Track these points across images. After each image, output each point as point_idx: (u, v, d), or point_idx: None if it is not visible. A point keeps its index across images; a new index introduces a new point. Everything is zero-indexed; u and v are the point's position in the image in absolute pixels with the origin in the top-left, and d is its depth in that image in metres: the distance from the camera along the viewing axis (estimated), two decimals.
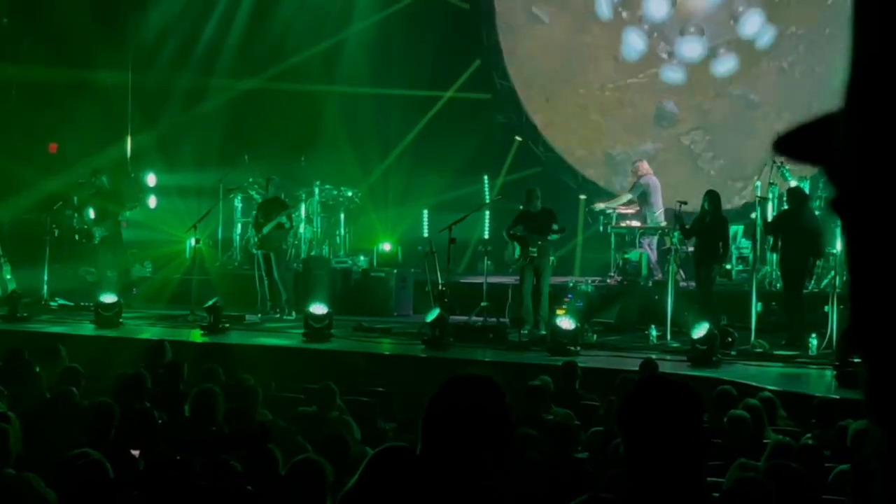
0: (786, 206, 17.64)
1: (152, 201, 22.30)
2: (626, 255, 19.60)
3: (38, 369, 11.94)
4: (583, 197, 23.07)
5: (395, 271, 20.79)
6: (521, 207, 18.26)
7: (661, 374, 3.39)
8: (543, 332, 16.54)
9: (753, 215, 18.23)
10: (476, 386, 3.31)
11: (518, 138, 24.07)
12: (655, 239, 19.81)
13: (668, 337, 16.58)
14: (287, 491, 6.23)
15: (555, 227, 17.64)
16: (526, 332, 17.11)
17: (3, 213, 22.56)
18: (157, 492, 6.20)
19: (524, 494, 6.23)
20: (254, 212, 21.90)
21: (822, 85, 20.65)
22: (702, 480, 3.47)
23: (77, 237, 22.90)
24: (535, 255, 17.56)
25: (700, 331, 14.78)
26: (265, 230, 19.53)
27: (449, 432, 3.23)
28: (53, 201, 22.06)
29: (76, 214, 22.92)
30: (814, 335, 15.55)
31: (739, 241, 19.39)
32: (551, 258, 17.92)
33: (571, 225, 20.44)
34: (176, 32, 24.54)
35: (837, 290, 16.08)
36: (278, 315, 19.30)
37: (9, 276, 21.06)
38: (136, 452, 7.96)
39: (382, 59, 24.37)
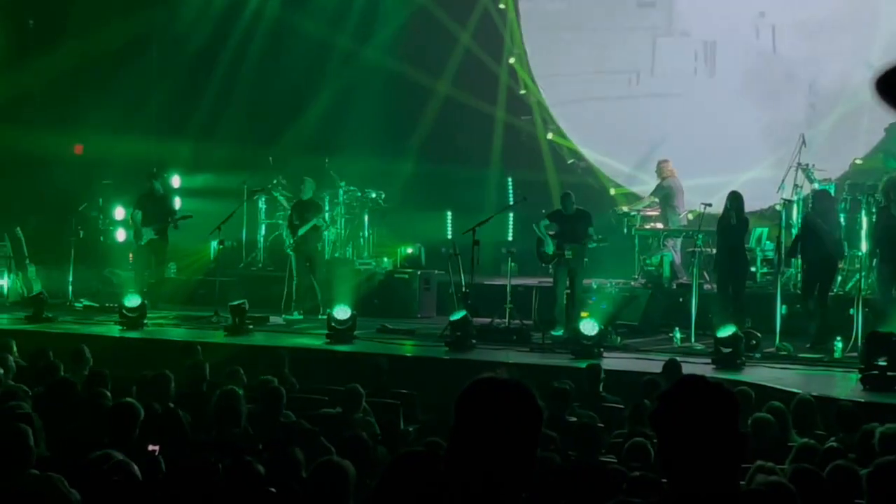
0: (811, 209, 17.57)
1: (177, 202, 22.33)
2: (648, 261, 19.57)
3: (62, 370, 11.99)
4: (613, 192, 23.08)
5: (419, 273, 20.76)
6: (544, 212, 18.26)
7: (696, 374, 3.31)
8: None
9: (779, 205, 18.15)
10: (507, 389, 3.29)
11: (549, 136, 24.02)
12: (679, 241, 19.75)
13: (693, 339, 16.52)
14: (310, 493, 6.23)
15: (591, 231, 17.59)
16: (560, 333, 17.09)
17: (29, 214, 22.64)
18: (181, 493, 6.21)
19: (549, 498, 6.21)
20: (280, 211, 21.93)
21: None
22: (737, 483, 3.43)
23: (102, 238, 22.99)
24: (570, 256, 17.54)
25: (724, 333, 14.73)
26: (301, 232, 19.58)
27: (479, 435, 3.21)
28: (78, 203, 22.12)
29: (101, 216, 23.00)
30: (839, 338, 15.48)
31: (764, 243, 19.31)
32: (585, 260, 17.90)
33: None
34: (202, 32, 24.57)
35: (862, 293, 16.01)
36: (302, 316, 19.31)
37: (34, 277, 21.14)
38: (154, 448, 7.97)
39: (409, 57, 24.35)
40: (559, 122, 24.19)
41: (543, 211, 20.28)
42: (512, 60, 24.47)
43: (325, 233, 21.29)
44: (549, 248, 17.68)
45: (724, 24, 22.70)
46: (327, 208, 21.57)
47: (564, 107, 24.24)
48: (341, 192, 21.79)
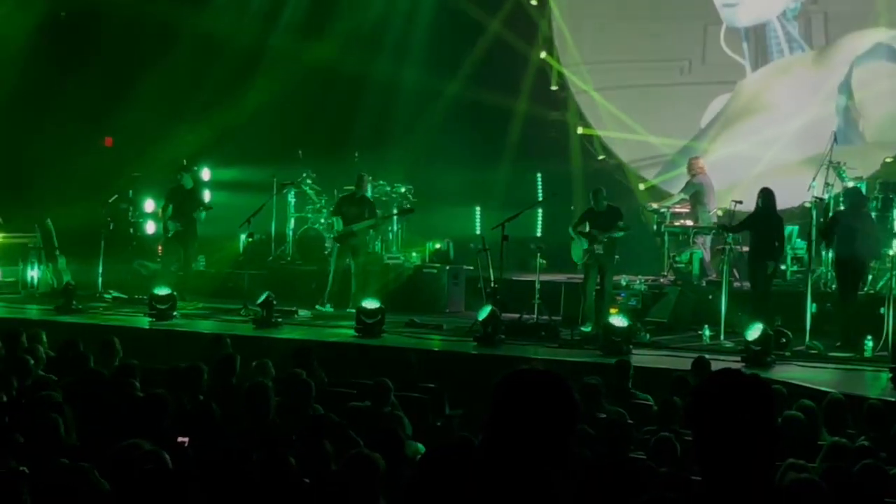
0: (842, 207, 17.50)
1: (206, 196, 22.37)
2: (678, 258, 19.51)
3: (92, 361, 12.03)
4: (642, 187, 23.00)
5: (448, 268, 20.74)
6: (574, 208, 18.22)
7: (731, 368, 3.25)
8: None
9: (811, 200, 18.03)
10: (545, 381, 3.27)
11: (580, 130, 23.93)
12: (709, 238, 19.71)
13: (722, 337, 16.46)
14: (340, 484, 6.23)
15: (620, 224, 17.63)
16: (589, 329, 17.07)
17: (59, 206, 22.73)
18: (214, 483, 6.21)
19: (581, 492, 6.19)
20: (309, 205, 21.92)
21: None
22: (772, 478, 3.38)
23: (131, 230, 23.08)
24: (601, 252, 17.53)
25: (754, 331, 14.68)
26: (356, 227, 19.55)
27: (515, 427, 3.19)
28: (109, 195, 22.18)
29: (131, 208, 23.09)
30: (869, 337, 15.41)
31: (794, 241, 19.24)
32: (616, 257, 17.91)
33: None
34: (232, 24, 24.64)
35: (894, 292, 15.92)
36: (332, 309, 19.34)
37: (64, 269, 21.24)
38: (184, 440, 7.98)
39: (442, 48, 24.29)
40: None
41: (573, 208, 20.28)
42: (543, 55, 24.37)
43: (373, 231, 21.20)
44: (584, 243, 17.67)
45: (774, 11, 22.60)
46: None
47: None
48: (371, 187, 21.77)
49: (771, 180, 18.86)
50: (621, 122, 23.65)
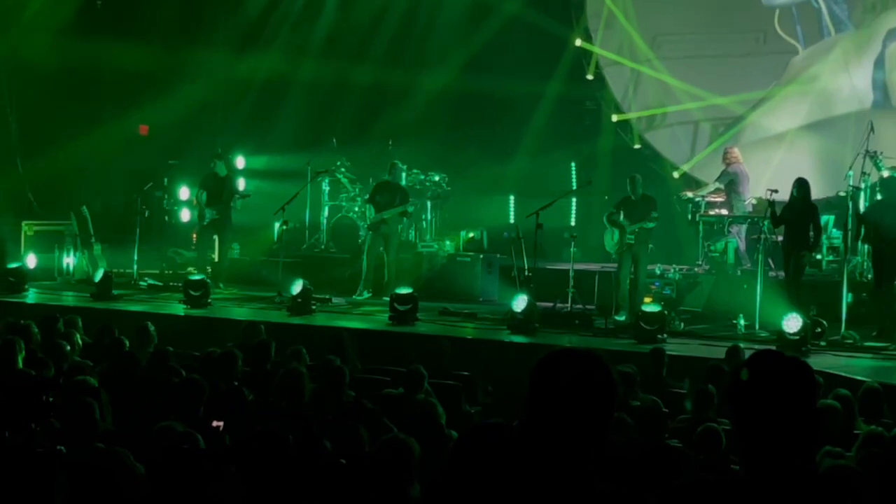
0: (878, 196, 17.39)
1: (241, 183, 22.43)
2: (712, 247, 19.44)
3: (128, 347, 12.10)
4: (676, 175, 22.89)
5: (481, 257, 20.72)
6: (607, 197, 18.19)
7: (772, 350, 3.25)
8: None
9: (847, 189, 17.89)
10: (584, 359, 3.25)
11: (615, 118, 23.81)
12: (744, 228, 19.63)
13: (757, 326, 16.39)
14: (375, 468, 6.23)
15: (652, 214, 17.58)
16: (623, 318, 17.06)
17: (95, 193, 22.82)
18: (251, 463, 6.22)
19: (615, 476, 6.17)
20: (343, 193, 21.94)
21: None
22: (814, 461, 3.35)
23: (166, 218, 23.16)
24: (632, 242, 17.51)
25: (790, 321, 14.62)
26: (387, 214, 19.57)
27: (555, 404, 3.18)
28: (144, 182, 22.26)
29: (166, 195, 23.16)
30: None
31: (830, 230, 19.14)
32: (650, 246, 17.87)
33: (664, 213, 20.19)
34: (267, 14, 24.69)
35: None
36: (369, 294, 19.36)
37: (100, 255, 21.32)
38: (219, 424, 8.00)
39: (473, 37, 24.22)
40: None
41: (607, 198, 20.21)
42: (579, 42, 24.21)
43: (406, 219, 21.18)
44: (614, 237, 17.67)
45: None
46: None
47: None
48: (404, 175, 21.75)
49: (805, 167, 18.79)
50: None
